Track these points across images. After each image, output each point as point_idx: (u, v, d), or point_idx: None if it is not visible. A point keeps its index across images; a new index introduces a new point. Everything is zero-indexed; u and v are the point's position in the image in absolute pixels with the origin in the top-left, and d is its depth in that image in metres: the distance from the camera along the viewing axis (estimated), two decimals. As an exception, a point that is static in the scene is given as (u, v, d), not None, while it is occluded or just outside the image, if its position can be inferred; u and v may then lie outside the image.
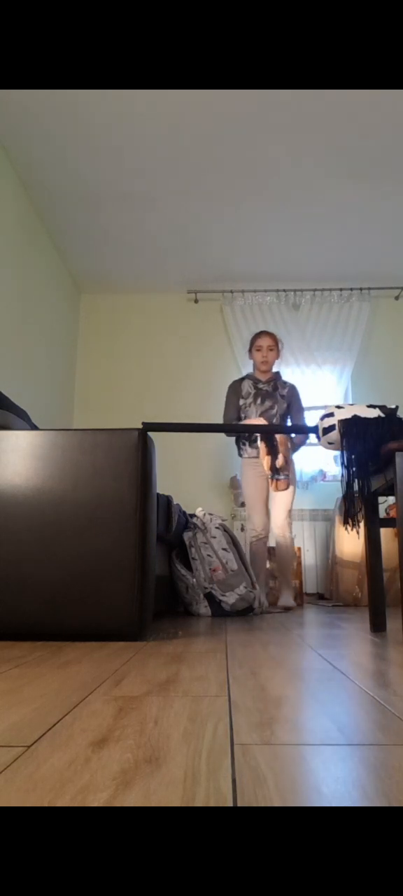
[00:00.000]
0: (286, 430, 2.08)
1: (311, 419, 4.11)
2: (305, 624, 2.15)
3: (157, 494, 2.26)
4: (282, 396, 3.21)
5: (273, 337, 3.28)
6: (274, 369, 3.49)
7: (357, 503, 1.81)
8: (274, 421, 3.13)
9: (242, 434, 3.09)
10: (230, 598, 2.61)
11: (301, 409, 3.25)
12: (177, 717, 0.75)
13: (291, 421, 3.26)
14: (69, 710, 0.79)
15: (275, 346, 3.25)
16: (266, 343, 3.23)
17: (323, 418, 1.94)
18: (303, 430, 2.08)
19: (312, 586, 3.93)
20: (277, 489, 2.95)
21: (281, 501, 3.07)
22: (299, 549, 3.48)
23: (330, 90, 2.81)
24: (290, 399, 3.22)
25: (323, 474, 4.22)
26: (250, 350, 3.29)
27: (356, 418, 1.83)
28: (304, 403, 4.30)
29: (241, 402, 3.20)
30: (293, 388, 3.26)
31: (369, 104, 2.82)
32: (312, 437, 3.07)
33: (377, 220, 3.76)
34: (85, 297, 4.68)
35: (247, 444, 3.16)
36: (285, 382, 3.28)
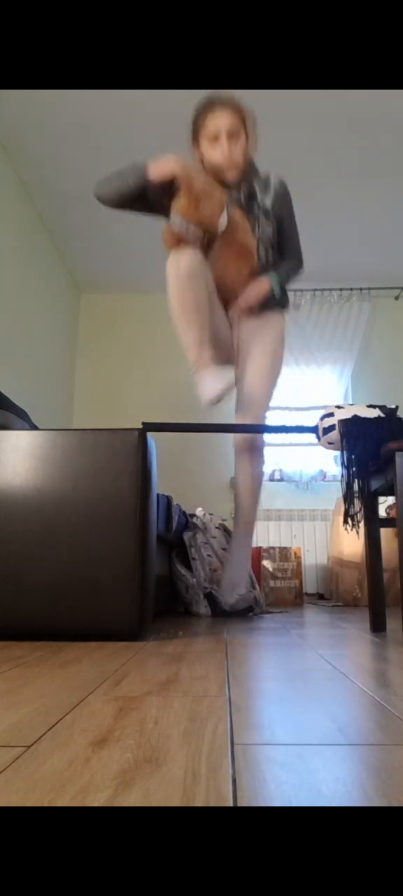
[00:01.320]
0: (285, 430, 2.08)
1: (311, 419, 4.11)
2: (305, 624, 2.15)
3: (157, 494, 2.26)
4: (266, 214, 1.84)
5: (234, 109, 1.76)
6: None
7: (357, 503, 1.81)
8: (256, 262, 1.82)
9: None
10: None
11: (293, 225, 1.92)
12: (177, 717, 0.75)
13: (281, 247, 1.92)
14: (69, 710, 0.79)
15: (242, 126, 1.76)
16: (225, 123, 1.73)
17: (323, 418, 1.94)
18: (304, 430, 2.08)
19: (312, 586, 3.93)
20: (242, 305, 1.80)
21: (256, 361, 1.84)
22: (299, 549, 3.48)
23: (331, 90, 2.81)
24: (279, 211, 1.87)
25: (323, 474, 4.22)
26: (196, 138, 1.81)
27: (356, 418, 1.83)
28: (304, 403, 4.30)
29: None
30: (281, 192, 1.87)
31: (369, 104, 2.82)
32: (312, 437, 2.92)
33: (377, 220, 3.76)
34: (85, 297, 4.67)
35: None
36: (267, 180, 1.87)
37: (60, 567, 1.65)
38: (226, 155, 1.75)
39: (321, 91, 2.83)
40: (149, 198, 1.71)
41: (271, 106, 2.82)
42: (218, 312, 1.84)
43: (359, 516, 1.83)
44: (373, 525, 1.91)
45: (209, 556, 2.72)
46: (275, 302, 1.89)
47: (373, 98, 2.78)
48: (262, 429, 2.10)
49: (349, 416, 1.85)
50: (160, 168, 1.63)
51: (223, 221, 1.59)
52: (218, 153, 1.77)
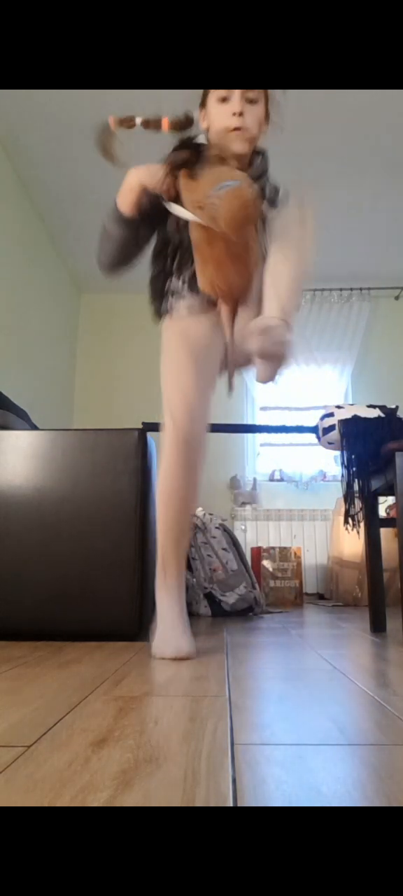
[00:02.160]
0: (285, 430, 2.08)
1: (311, 419, 4.10)
2: (305, 624, 2.15)
3: (157, 494, 2.25)
4: (263, 223, 1.44)
5: None
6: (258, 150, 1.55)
7: (357, 503, 1.81)
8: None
9: (169, 275, 1.44)
10: (230, 598, 2.61)
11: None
12: (177, 717, 0.75)
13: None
14: (69, 710, 0.79)
15: (262, 95, 1.46)
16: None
17: (323, 418, 1.94)
18: (304, 430, 2.08)
19: (312, 586, 3.93)
20: (262, 377, 1.33)
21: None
22: (299, 549, 3.48)
23: (330, 90, 2.81)
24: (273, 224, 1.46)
25: (323, 474, 4.22)
26: (204, 100, 1.49)
27: (356, 418, 1.83)
28: (303, 403, 4.30)
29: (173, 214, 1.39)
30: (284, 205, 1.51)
31: (369, 104, 2.82)
32: (312, 437, 2.90)
33: (377, 219, 3.76)
34: (85, 297, 4.67)
35: (184, 286, 1.40)
36: (275, 193, 1.55)
37: (60, 567, 1.65)
38: (237, 109, 1.37)
39: (320, 91, 2.83)
40: (151, 223, 1.42)
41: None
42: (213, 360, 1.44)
43: (359, 516, 1.83)
44: (373, 525, 1.91)
45: (209, 556, 2.72)
46: None
47: (373, 98, 2.78)
48: (262, 429, 2.10)
49: (349, 416, 1.85)
50: (127, 195, 1.36)
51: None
52: (227, 111, 1.39)
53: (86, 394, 4.53)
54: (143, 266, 4.47)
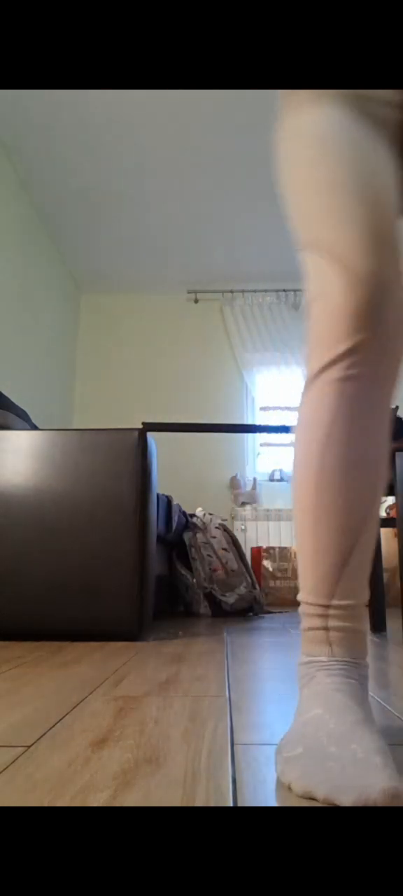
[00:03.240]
0: (285, 430, 2.08)
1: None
2: (305, 624, 2.15)
3: (157, 494, 2.26)
4: None
5: None
6: None
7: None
8: None
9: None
10: (230, 598, 2.61)
11: None
12: (177, 717, 0.75)
13: None
14: (69, 710, 0.79)
15: None
16: None
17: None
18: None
19: (312, 586, 3.93)
20: None
21: None
22: (299, 549, 3.47)
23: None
24: None
25: (322, 474, 4.21)
26: None
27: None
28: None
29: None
30: None
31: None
32: None
33: (377, 220, 3.76)
34: (85, 297, 4.67)
35: None
36: None
37: (60, 567, 1.65)
38: None
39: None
40: None
41: (271, 106, 2.82)
42: None
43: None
44: (373, 525, 1.90)
45: (209, 556, 2.72)
46: None
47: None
48: (262, 429, 2.10)
49: (349, 416, 1.84)
50: None
51: None
52: None
53: (86, 394, 4.53)
54: (143, 266, 4.45)
